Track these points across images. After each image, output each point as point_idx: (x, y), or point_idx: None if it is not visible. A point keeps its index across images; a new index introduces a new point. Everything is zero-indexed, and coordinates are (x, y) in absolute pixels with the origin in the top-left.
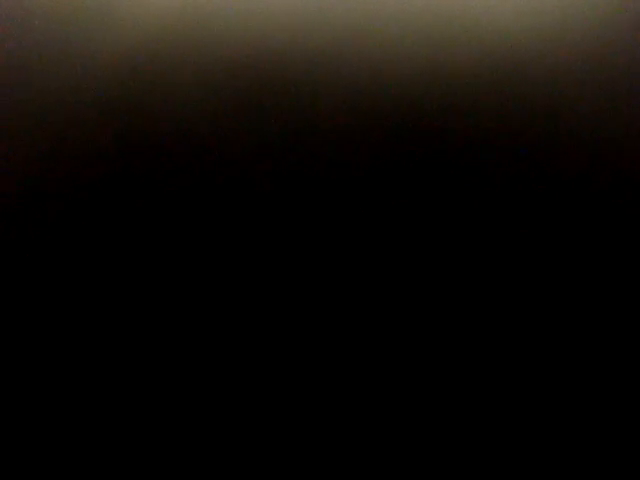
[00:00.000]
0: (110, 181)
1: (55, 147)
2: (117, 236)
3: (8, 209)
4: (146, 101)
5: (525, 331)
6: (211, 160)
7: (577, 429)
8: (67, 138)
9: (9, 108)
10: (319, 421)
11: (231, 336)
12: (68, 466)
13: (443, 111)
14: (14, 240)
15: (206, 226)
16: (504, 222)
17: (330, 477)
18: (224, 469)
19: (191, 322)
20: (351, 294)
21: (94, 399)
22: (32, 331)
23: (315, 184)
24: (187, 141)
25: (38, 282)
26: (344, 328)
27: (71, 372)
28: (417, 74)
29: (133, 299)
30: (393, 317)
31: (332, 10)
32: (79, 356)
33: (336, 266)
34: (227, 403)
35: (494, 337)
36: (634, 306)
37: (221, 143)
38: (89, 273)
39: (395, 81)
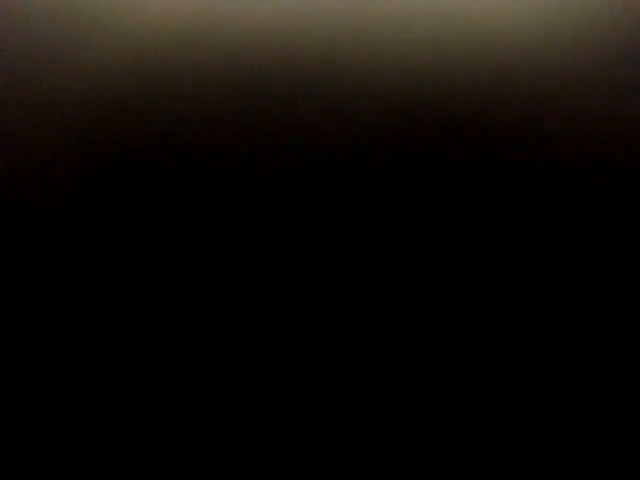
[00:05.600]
0: (110, 181)
1: (55, 147)
2: (117, 236)
3: (8, 209)
4: (148, 103)
5: (526, 331)
6: (213, 163)
7: (577, 429)
8: (68, 139)
9: (10, 109)
10: (319, 421)
11: (231, 335)
12: (68, 466)
13: (443, 112)
14: (14, 240)
15: (207, 228)
16: (503, 222)
17: (330, 477)
18: (224, 469)
19: (192, 321)
20: (351, 294)
21: (94, 399)
22: (33, 330)
23: (316, 185)
24: (187, 143)
25: (36, 282)
26: (348, 326)
27: (72, 371)
28: (418, 75)
29: (132, 300)
30: (395, 315)
31: (334, 15)
32: (80, 355)
33: (336, 267)
34: (227, 403)
35: (496, 337)
36: (631, 302)
37: (222, 145)
38: (89, 273)
39: (396, 83)
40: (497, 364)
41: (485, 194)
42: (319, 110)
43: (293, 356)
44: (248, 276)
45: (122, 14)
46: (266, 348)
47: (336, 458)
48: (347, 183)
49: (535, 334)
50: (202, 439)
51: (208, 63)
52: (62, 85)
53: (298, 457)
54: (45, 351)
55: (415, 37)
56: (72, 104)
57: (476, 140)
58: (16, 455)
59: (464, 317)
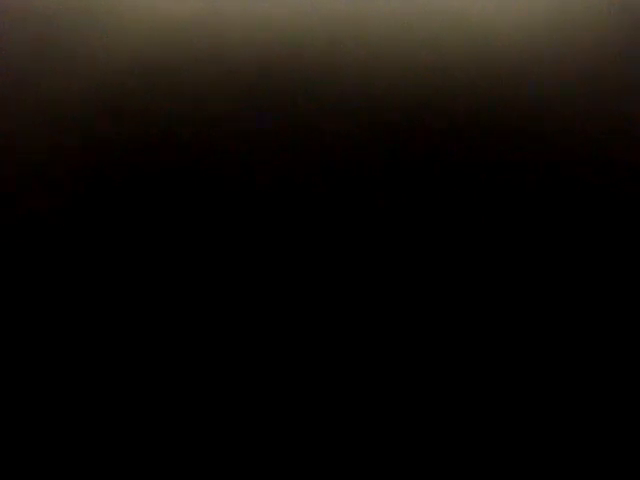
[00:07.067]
0: (109, 181)
1: (54, 146)
2: (117, 236)
3: (7, 209)
4: (147, 103)
5: (526, 331)
6: (213, 163)
7: (577, 429)
8: (66, 138)
9: (7, 108)
10: (319, 421)
11: (232, 335)
12: (68, 466)
13: (443, 112)
14: (14, 240)
15: (207, 228)
16: (503, 222)
17: (330, 477)
18: (224, 469)
19: (192, 321)
20: (352, 293)
21: (94, 399)
22: (33, 330)
23: (316, 185)
24: (187, 143)
25: (36, 283)
26: (348, 326)
27: (72, 371)
28: (418, 75)
29: (132, 300)
30: (395, 315)
31: (334, 15)
32: (81, 354)
33: (336, 267)
34: (227, 403)
35: (496, 337)
36: (631, 302)
37: (222, 145)
38: (89, 273)
39: (396, 83)
40: (497, 364)
41: (485, 194)
42: (319, 110)
43: (293, 356)
44: (248, 276)
45: (121, 13)
46: (266, 348)
47: (336, 458)
48: (347, 183)
49: (535, 334)
50: (202, 439)
51: (208, 62)
52: (60, 84)
53: (298, 457)
54: (45, 351)
55: (415, 37)
56: (71, 103)
57: (476, 140)
58: (16, 455)
59: (464, 317)
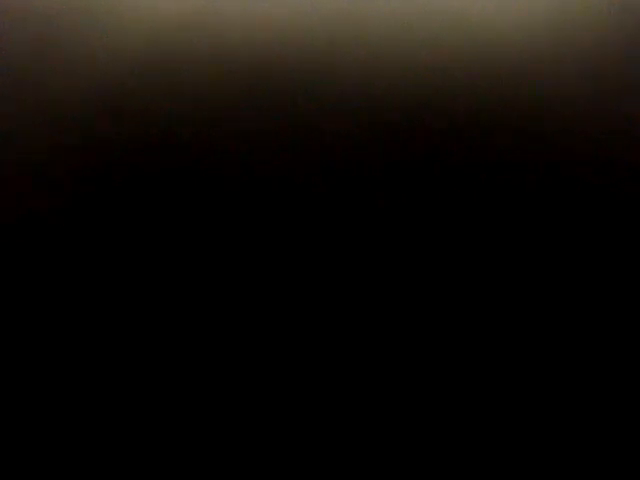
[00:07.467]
0: (109, 181)
1: (54, 146)
2: (117, 236)
3: (7, 209)
4: (146, 103)
5: (526, 331)
6: (213, 163)
7: (577, 429)
8: (66, 138)
9: (7, 108)
10: (319, 421)
11: (232, 335)
12: (68, 466)
13: (443, 112)
14: (14, 240)
15: (207, 228)
16: (503, 222)
17: (330, 477)
18: (224, 469)
19: (192, 321)
20: (352, 294)
21: (94, 399)
22: (32, 330)
23: (316, 185)
24: (187, 143)
25: (36, 283)
26: (348, 326)
27: (72, 371)
28: (418, 75)
29: (132, 300)
30: (395, 315)
31: (334, 15)
32: (81, 355)
33: (336, 267)
34: (227, 403)
35: (496, 337)
36: (631, 302)
37: (222, 145)
38: (89, 273)
39: (396, 83)
40: (497, 364)
41: (485, 194)
42: (319, 110)
43: (293, 356)
44: (248, 276)
45: (121, 13)
46: (266, 347)
47: (336, 458)
48: (347, 183)
49: (535, 334)
50: (202, 439)
51: (208, 63)
52: (60, 84)
53: (298, 457)
54: (46, 351)
55: (415, 37)
56: (71, 103)
57: (476, 140)
58: (16, 455)
59: (464, 317)
